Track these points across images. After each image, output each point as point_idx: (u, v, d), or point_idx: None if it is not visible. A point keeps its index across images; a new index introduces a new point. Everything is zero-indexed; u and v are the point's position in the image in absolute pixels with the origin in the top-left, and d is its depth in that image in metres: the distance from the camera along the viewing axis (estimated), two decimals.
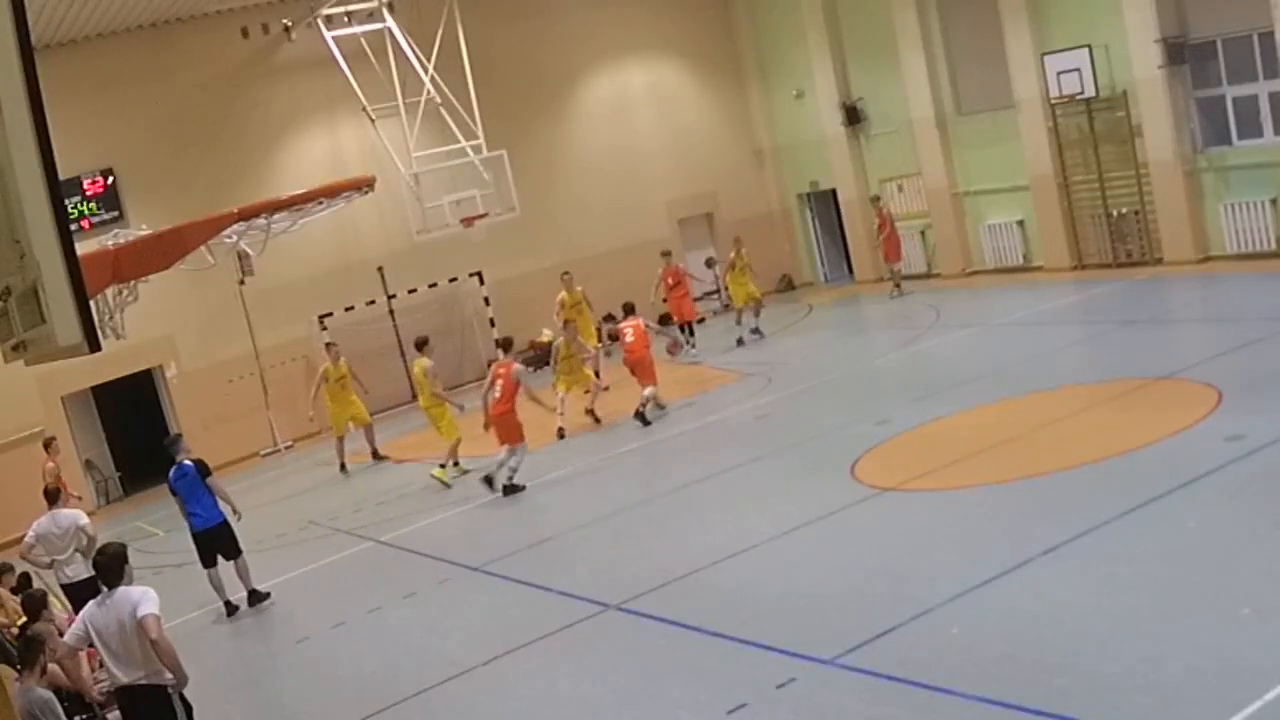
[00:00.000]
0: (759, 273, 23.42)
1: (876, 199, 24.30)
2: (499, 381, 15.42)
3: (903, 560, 10.01)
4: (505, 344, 17.05)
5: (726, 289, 23.63)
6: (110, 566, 7.97)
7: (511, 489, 15.22)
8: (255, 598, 13.32)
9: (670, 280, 22.69)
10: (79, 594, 11.68)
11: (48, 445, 17.18)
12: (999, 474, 11.69)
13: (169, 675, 7.83)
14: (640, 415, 17.11)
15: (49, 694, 8.46)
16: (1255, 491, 9.72)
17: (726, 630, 9.27)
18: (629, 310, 18.49)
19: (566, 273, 21.64)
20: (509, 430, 15.30)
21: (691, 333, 22.49)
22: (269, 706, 10.46)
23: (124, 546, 8.20)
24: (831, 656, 8.34)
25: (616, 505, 13.74)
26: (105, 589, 7.98)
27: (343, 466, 19.43)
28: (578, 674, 9.37)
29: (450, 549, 13.56)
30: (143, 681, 7.81)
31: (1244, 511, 9.37)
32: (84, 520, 12.88)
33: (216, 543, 13.19)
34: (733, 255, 22.69)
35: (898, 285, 23.66)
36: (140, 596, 7.82)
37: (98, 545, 8.98)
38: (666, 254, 23.33)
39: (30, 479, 14.27)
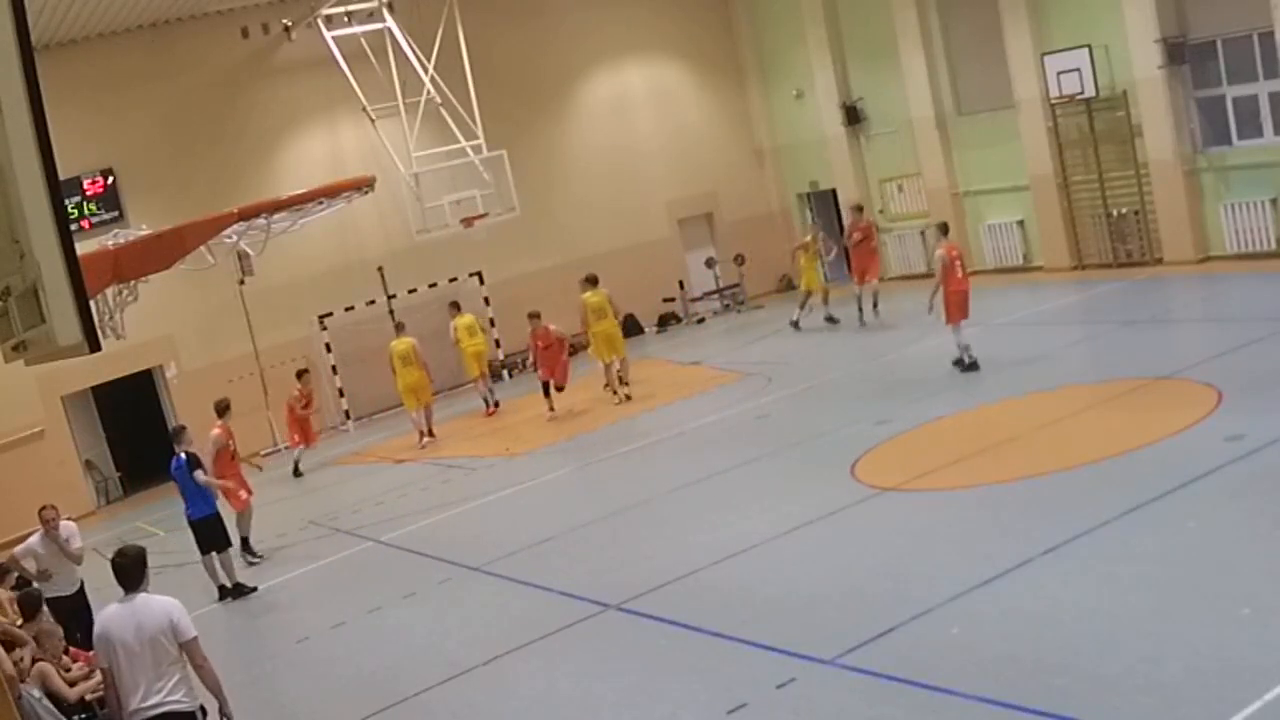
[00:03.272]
0: (760, 273, 23.24)
1: (859, 208, 23.72)
2: (958, 262, 16.33)
3: (903, 560, 10.00)
4: (944, 227, 17.60)
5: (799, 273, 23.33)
6: (130, 570, 7.46)
7: (971, 366, 16.05)
8: (239, 590, 13.80)
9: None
10: (60, 608, 11.37)
11: (221, 409, 15.40)
12: (999, 474, 11.69)
13: (192, 700, 7.45)
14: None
15: (40, 693, 8.44)
16: (1255, 491, 9.71)
17: (726, 630, 9.26)
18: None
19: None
20: (963, 309, 16.13)
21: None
22: (269, 706, 10.43)
23: (144, 550, 7.68)
24: (831, 656, 8.33)
25: (616, 505, 13.74)
26: (124, 593, 7.47)
27: (429, 433, 19.99)
28: (578, 674, 9.37)
29: (450, 549, 13.56)
30: (164, 710, 7.28)
31: (1244, 511, 9.37)
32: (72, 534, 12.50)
33: (207, 533, 13.79)
34: (808, 239, 22.46)
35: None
36: (175, 612, 7.37)
37: (111, 549, 8.66)
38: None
39: (30, 479, 14.22)
